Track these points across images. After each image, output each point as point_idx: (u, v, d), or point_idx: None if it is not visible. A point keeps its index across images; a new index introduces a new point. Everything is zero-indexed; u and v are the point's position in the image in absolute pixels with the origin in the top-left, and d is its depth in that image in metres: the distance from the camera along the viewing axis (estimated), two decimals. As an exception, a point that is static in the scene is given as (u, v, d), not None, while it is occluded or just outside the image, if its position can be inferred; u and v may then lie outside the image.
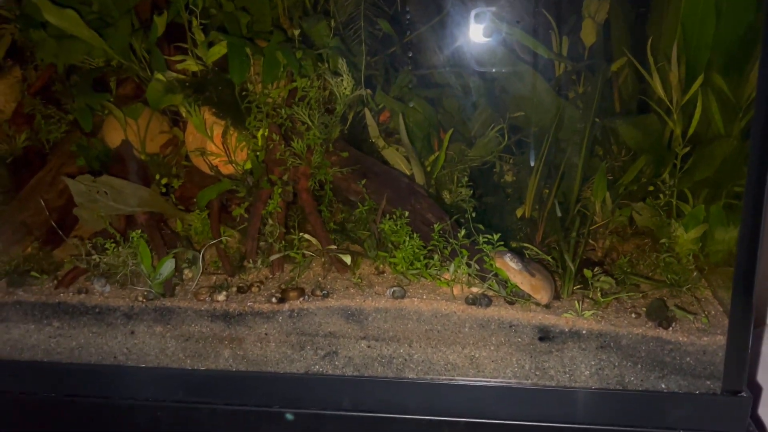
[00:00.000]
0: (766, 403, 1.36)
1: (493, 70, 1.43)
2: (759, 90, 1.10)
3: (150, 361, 1.36)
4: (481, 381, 1.28)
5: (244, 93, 1.41)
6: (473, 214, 1.31)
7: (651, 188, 1.48)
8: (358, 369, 1.31)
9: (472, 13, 1.37)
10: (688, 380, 1.23)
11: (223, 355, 1.34)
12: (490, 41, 1.40)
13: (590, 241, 1.50)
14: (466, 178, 1.38)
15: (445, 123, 1.56)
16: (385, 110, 1.53)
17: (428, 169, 1.50)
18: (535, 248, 1.40)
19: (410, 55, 1.44)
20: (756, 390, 1.38)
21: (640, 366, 1.24)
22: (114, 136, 1.55)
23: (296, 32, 1.37)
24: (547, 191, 1.48)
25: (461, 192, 1.36)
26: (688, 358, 1.23)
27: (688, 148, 1.40)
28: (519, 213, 1.49)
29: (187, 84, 1.45)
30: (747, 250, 1.17)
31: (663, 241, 1.37)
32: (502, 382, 1.27)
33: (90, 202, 1.39)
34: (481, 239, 1.28)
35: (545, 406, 1.26)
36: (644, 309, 1.29)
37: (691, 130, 1.39)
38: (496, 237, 1.27)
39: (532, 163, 1.42)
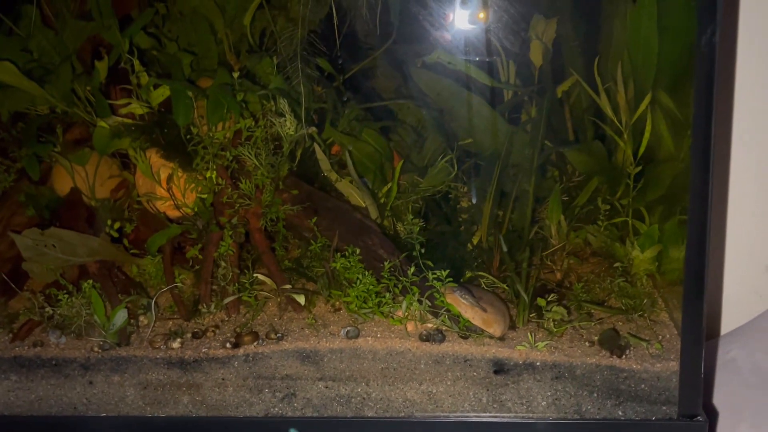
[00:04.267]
0: (723, 422, 1.36)
1: (440, 100, 1.42)
2: (695, 108, 1.11)
3: (110, 409, 1.35)
4: (440, 416, 1.28)
5: (189, 136, 1.40)
6: (422, 251, 1.31)
7: (607, 207, 1.48)
8: (317, 410, 1.31)
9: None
10: (644, 407, 1.24)
11: (183, 402, 1.33)
12: (434, 71, 1.39)
13: (548, 263, 1.50)
14: (410, 216, 1.37)
15: (399, 151, 1.56)
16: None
17: (382, 200, 1.49)
18: (491, 277, 1.40)
19: (345, 98, 1.43)
20: (712, 414, 1.38)
21: (596, 395, 1.24)
22: (63, 183, 1.54)
23: (236, 74, 1.36)
24: (502, 214, 1.48)
25: (412, 227, 1.35)
26: (642, 385, 1.23)
27: (639, 168, 1.40)
28: (475, 240, 1.49)
29: (133, 128, 1.44)
30: (694, 275, 1.17)
31: (617, 264, 1.37)
32: (460, 416, 1.27)
33: (39, 256, 1.38)
34: (430, 275, 1.27)
35: (505, 438, 1.26)
36: (598, 337, 1.28)
37: (641, 150, 1.39)
38: (444, 273, 1.26)
39: (480, 192, 1.41)
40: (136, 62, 1.42)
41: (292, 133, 1.35)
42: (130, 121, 1.46)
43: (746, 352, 1.61)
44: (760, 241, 1.71)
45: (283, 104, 1.33)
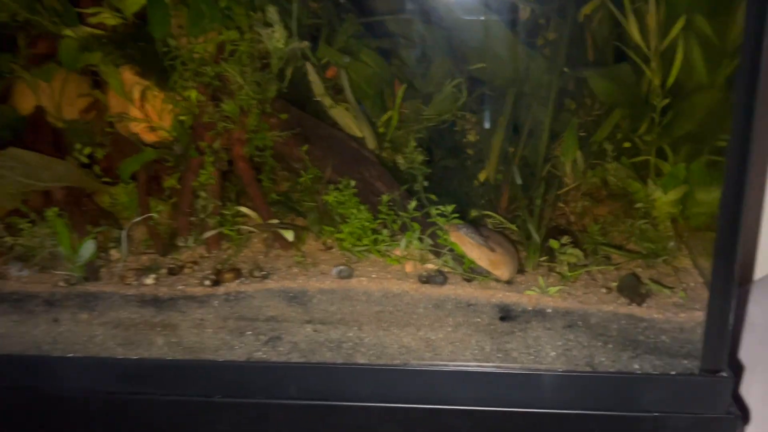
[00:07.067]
0: (748, 380, 1.28)
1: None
2: (746, 33, 1.00)
3: (78, 350, 1.30)
4: (438, 365, 1.22)
5: (166, 50, 1.29)
6: (425, 183, 1.22)
7: (628, 144, 1.37)
8: (304, 354, 1.25)
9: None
10: (663, 360, 1.17)
11: (157, 343, 1.28)
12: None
13: (561, 204, 1.41)
14: (413, 144, 1.28)
15: (401, 77, 1.45)
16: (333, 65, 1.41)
17: (381, 130, 1.41)
18: (498, 216, 1.31)
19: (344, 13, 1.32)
20: (737, 368, 1.31)
21: (611, 346, 1.18)
22: (25, 101, 1.45)
23: (219, -23, 1.23)
24: (513, 150, 1.38)
25: (414, 158, 1.26)
26: (663, 336, 1.17)
27: (667, 100, 1.30)
28: (482, 177, 1.39)
29: (104, 40, 1.34)
30: (730, 214, 1.08)
31: (638, 205, 1.27)
32: (460, 366, 1.22)
33: (-4, 179, 1.28)
34: (433, 211, 1.19)
35: (508, 391, 1.21)
36: (615, 283, 1.22)
37: (671, 80, 1.29)
38: (449, 208, 1.18)
39: (489, 123, 1.32)
40: (108, -35, 1.29)
41: (282, 46, 1.22)
42: (100, 32, 1.35)
43: (761, 308, 1.56)
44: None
45: (272, 14, 1.21)
